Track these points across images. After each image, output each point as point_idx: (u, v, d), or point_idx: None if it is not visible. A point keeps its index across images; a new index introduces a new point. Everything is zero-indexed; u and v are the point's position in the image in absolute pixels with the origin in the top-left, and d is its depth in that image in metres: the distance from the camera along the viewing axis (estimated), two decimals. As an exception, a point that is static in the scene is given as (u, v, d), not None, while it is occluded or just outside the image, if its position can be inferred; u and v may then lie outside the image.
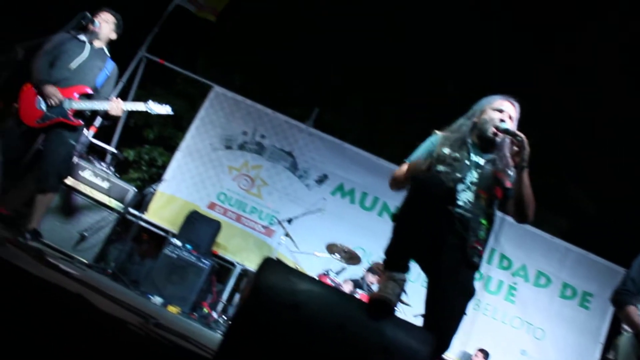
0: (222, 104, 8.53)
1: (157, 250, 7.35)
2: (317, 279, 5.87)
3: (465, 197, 2.89)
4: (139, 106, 4.60)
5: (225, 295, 7.67)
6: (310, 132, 8.50)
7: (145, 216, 7.62)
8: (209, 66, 11.79)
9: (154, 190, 6.64)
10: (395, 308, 2.50)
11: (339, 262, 6.70)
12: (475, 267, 2.92)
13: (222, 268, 7.83)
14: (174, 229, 7.45)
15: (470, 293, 2.92)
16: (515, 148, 2.90)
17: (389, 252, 2.64)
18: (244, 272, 7.92)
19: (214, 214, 7.87)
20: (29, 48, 3.90)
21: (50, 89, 4.25)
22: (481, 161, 2.99)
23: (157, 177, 11.41)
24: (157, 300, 5.85)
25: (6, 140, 4.20)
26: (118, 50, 4.96)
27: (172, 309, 5.72)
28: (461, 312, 2.90)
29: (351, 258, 6.72)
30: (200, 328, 5.51)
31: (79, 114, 4.39)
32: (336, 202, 8.14)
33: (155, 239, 8.08)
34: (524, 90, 3.46)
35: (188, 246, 6.58)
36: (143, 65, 8.82)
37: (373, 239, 7.78)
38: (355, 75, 12.10)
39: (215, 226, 7.25)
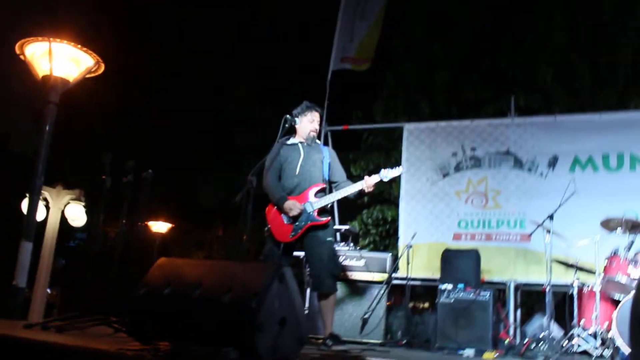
0: (420, 137, 8.31)
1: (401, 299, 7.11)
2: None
3: None
4: (375, 179, 4.51)
5: (511, 317, 7.18)
6: (517, 122, 7.93)
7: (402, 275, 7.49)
8: (386, 110, 11.78)
9: (410, 247, 6.48)
10: None
11: (622, 236, 5.95)
12: None
13: (498, 292, 7.38)
14: (435, 275, 7.22)
15: None
16: None
17: None
18: (517, 287, 7.37)
19: (463, 244, 7.52)
20: (257, 173, 4.01)
21: (289, 204, 4.34)
22: None
23: (387, 233, 11.41)
24: (469, 352, 5.55)
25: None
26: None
27: (489, 355, 5.38)
28: None
29: (634, 227, 5.94)
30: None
31: (323, 211, 4.42)
32: (579, 178, 7.36)
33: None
34: None
35: (460, 286, 6.28)
36: (330, 139, 8.96)
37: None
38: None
39: (474, 255, 6.86)
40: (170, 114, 17.34)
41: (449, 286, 6.29)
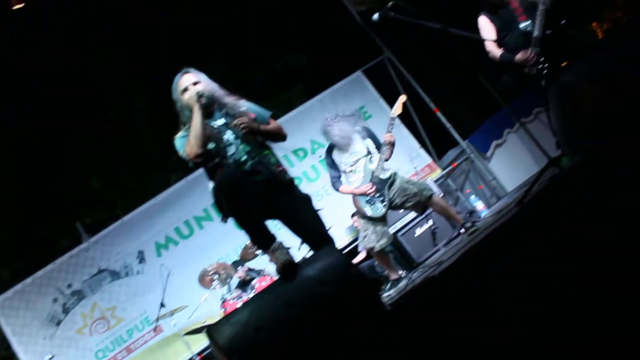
0: (14, 305, 7.92)
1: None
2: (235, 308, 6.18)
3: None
4: None
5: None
6: (94, 241, 8.39)
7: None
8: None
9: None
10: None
11: (220, 285, 6.94)
12: (290, 184, 3.44)
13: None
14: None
15: (307, 199, 3.45)
16: None
17: (253, 239, 3.06)
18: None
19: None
20: None
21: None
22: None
23: None
24: None
25: None
26: None
27: None
28: (315, 214, 3.43)
29: (224, 270, 6.99)
30: None
31: None
32: (168, 258, 8.24)
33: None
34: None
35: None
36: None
37: (223, 242, 8.14)
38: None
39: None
40: None
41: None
